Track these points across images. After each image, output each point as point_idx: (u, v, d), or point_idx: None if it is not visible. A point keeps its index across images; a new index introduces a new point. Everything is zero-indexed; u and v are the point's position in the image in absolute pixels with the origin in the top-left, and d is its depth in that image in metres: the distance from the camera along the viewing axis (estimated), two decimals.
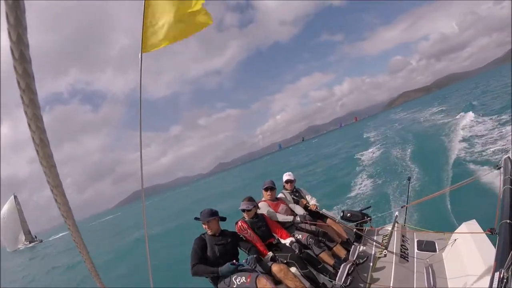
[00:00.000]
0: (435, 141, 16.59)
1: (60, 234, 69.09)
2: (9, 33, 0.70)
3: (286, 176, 5.46)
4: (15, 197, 64.89)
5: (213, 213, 3.91)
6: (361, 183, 14.86)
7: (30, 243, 62.61)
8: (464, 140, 14.27)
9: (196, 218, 3.96)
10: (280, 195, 5.27)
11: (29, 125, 0.74)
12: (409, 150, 17.47)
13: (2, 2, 0.68)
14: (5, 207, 64.67)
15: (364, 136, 38.36)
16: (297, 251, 3.95)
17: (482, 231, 3.59)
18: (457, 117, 20.77)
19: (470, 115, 19.19)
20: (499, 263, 1.73)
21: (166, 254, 13.85)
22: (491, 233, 2.73)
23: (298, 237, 4.37)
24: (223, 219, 4.03)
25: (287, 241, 4.21)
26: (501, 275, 1.62)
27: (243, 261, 3.66)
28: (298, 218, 4.66)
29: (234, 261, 3.65)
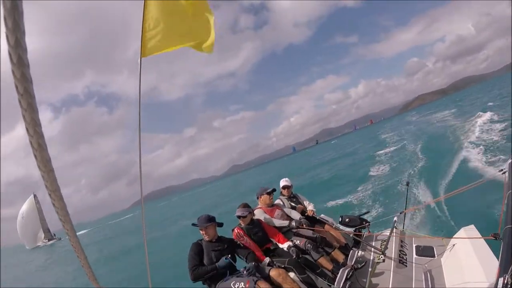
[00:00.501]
0: (443, 145, 16.66)
1: (82, 231, 71.38)
2: (7, 37, 0.69)
3: (283, 182, 5.50)
4: (34, 196, 66.47)
5: (210, 219, 3.94)
6: (361, 188, 14.88)
7: (49, 241, 63.88)
8: (471, 144, 14.28)
9: (193, 224, 3.97)
10: (277, 201, 5.26)
11: (27, 129, 0.74)
12: (416, 154, 17.54)
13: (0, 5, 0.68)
14: (25, 206, 65.96)
15: (379, 139, 38.60)
16: (294, 256, 3.94)
17: (481, 237, 3.59)
18: (468, 121, 20.83)
19: (481, 120, 19.20)
20: (503, 268, 1.72)
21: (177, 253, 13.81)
22: (495, 238, 2.73)
23: (296, 243, 4.33)
24: (220, 225, 4.06)
25: (284, 246, 4.20)
26: (505, 281, 1.61)
27: (241, 269, 3.66)
28: (293, 223, 4.64)
29: (229, 256, 3.74)
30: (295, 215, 4.97)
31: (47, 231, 66.38)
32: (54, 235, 67.24)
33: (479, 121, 18.93)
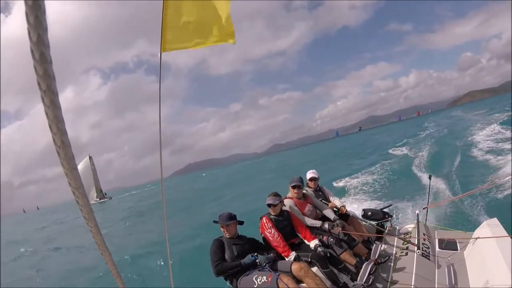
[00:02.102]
0: (475, 143, 16.27)
1: (125, 194, 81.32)
2: (29, 33, 0.69)
3: (310, 174, 5.31)
4: (90, 157, 73.02)
5: (232, 217, 3.95)
6: (385, 179, 14.64)
7: (100, 199, 69.64)
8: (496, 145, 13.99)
9: (215, 222, 4.00)
10: (304, 192, 5.04)
11: (50, 127, 0.73)
12: (447, 150, 17.23)
13: (22, 2, 0.67)
14: (80, 166, 71.09)
15: (419, 133, 37.39)
16: (322, 255, 3.88)
17: (503, 229, 3.52)
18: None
19: None
20: None
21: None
22: None
23: (319, 237, 4.29)
24: (241, 223, 4.06)
25: (311, 244, 4.11)
26: None
27: (260, 259, 3.70)
28: (326, 225, 4.48)
29: (256, 254, 3.74)
30: (328, 212, 4.80)
31: (99, 190, 72.81)
32: (105, 194, 74.11)
33: None
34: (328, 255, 3.95)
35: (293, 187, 4.77)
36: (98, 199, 69.49)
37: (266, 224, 4.17)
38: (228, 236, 3.91)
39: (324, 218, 4.75)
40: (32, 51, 0.69)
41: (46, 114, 0.72)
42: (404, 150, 22.23)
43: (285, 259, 3.92)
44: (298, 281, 3.49)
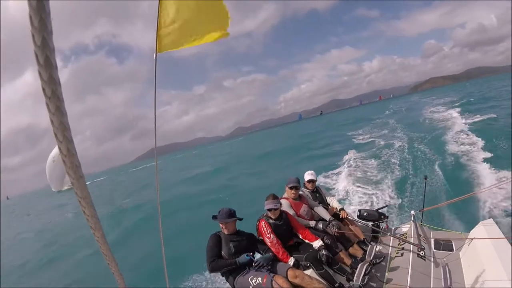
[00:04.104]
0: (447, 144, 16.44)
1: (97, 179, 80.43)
2: (33, 36, 0.65)
3: (308, 176, 5.25)
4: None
5: (232, 214, 3.87)
6: (381, 181, 14.71)
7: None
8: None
9: (213, 217, 3.92)
10: (300, 193, 4.99)
11: (55, 134, 0.70)
12: (423, 146, 17.25)
13: (26, 4, 0.64)
14: (56, 150, 71.73)
15: (379, 119, 38.49)
16: (324, 260, 3.83)
17: (499, 230, 3.55)
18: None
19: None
20: None
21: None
22: None
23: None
24: (240, 219, 3.98)
25: (315, 244, 4.04)
26: None
27: (256, 259, 3.68)
28: (320, 225, 4.48)
29: (251, 253, 3.72)
30: (323, 212, 4.77)
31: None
32: None
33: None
34: (330, 260, 3.90)
35: (291, 188, 4.72)
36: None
37: (265, 230, 4.06)
38: (226, 233, 3.86)
39: (320, 219, 4.73)
40: (36, 55, 0.66)
41: (52, 121, 0.69)
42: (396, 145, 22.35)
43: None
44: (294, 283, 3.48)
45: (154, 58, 2.94)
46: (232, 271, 3.66)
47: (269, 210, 4.16)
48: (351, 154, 18.87)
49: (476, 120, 19.59)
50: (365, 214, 5.22)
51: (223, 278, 3.85)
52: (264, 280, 3.36)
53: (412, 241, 4.24)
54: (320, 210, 4.82)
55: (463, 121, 20.70)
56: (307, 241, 4.16)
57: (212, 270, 3.67)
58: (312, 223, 4.55)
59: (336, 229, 4.44)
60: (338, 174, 15.79)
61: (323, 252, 3.88)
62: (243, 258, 3.62)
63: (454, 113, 25.33)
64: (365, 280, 3.53)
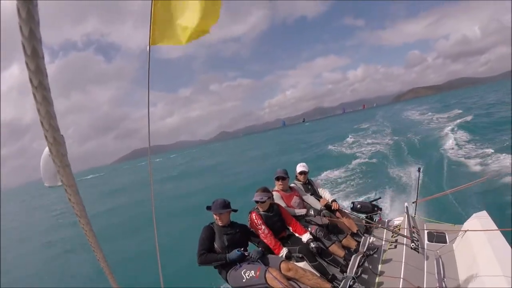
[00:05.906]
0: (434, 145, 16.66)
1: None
2: (20, 28, 0.67)
3: (300, 167, 5.25)
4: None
5: (226, 205, 3.83)
6: (371, 174, 14.83)
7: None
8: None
9: (208, 208, 3.87)
10: (292, 185, 5.08)
11: (41, 123, 0.72)
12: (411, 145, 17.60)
13: None
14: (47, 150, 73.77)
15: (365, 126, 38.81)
16: (315, 251, 3.85)
17: (492, 222, 3.56)
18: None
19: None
20: None
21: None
22: None
23: (308, 229, 4.30)
24: (235, 211, 3.94)
25: (304, 237, 4.08)
26: None
27: (247, 253, 3.62)
28: (311, 212, 4.54)
29: (242, 248, 3.63)
30: (314, 202, 4.83)
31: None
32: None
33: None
34: (321, 251, 3.92)
35: (277, 178, 4.78)
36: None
37: (256, 221, 4.09)
38: (220, 224, 3.82)
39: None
40: (23, 46, 0.68)
41: (38, 110, 0.71)
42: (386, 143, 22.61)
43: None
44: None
45: (147, 50, 2.94)
46: (224, 265, 3.60)
47: (256, 202, 4.20)
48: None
49: (468, 119, 20.57)
50: (358, 206, 5.26)
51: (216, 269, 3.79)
52: (258, 273, 3.30)
53: (405, 233, 4.28)
54: (311, 200, 4.87)
55: (454, 120, 21.56)
56: (296, 234, 4.18)
57: (201, 263, 3.60)
58: (303, 211, 4.59)
59: (327, 219, 4.49)
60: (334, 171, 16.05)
61: (312, 244, 3.90)
62: (234, 253, 3.54)
63: (443, 115, 25.90)
64: (359, 272, 3.55)
